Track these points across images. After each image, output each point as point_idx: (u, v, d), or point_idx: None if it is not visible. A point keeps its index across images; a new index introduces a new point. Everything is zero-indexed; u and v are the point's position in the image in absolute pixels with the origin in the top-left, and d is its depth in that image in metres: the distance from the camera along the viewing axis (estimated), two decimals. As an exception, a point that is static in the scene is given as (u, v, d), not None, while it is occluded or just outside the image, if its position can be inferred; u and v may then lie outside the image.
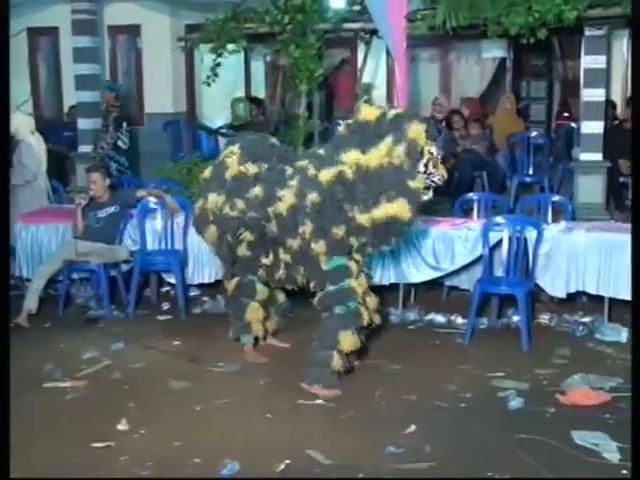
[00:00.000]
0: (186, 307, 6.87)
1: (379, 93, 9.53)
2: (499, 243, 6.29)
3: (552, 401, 4.93)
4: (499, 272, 6.34)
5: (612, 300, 6.23)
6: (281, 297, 6.02)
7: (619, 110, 10.62)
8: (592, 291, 6.22)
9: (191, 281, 7.10)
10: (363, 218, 4.97)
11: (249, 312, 5.73)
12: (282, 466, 4.14)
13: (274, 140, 5.90)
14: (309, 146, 8.03)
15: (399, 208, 4.90)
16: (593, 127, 8.02)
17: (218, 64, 8.42)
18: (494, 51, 11.73)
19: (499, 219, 6.36)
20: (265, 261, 5.46)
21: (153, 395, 5.15)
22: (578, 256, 6.19)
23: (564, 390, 5.07)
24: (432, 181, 5.06)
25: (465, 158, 9.53)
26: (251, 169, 5.43)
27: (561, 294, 6.30)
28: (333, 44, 9.94)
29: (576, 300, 6.54)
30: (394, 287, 6.69)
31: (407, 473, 4.07)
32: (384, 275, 6.57)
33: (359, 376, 5.38)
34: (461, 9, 7.29)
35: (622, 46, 11.00)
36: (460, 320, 6.44)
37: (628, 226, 7.08)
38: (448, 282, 6.82)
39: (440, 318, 6.57)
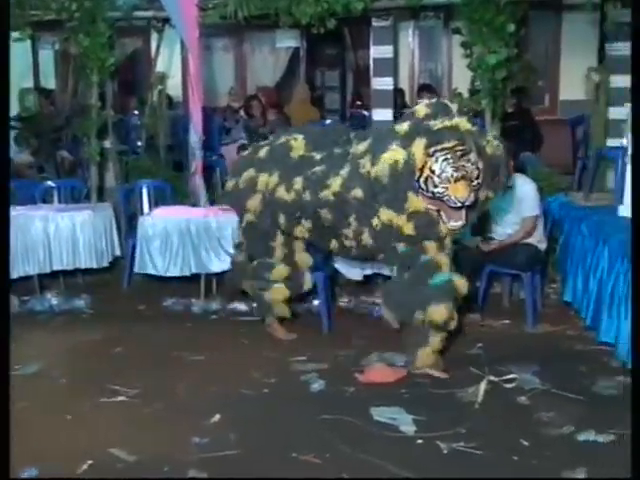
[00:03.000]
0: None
1: (174, 82, 9.41)
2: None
3: (352, 380, 5.08)
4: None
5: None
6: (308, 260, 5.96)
7: (407, 98, 11.06)
8: (387, 272, 6.47)
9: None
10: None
11: (270, 293, 5.77)
12: (84, 467, 4.02)
13: (336, 125, 5.84)
14: (103, 137, 7.84)
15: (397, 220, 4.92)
16: (383, 114, 8.30)
17: (2, 53, 7.99)
18: (287, 41, 11.91)
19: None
20: (332, 247, 5.46)
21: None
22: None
23: (363, 369, 5.24)
24: (441, 200, 4.79)
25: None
26: (317, 156, 5.39)
27: (358, 277, 6.52)
28: (125, 33, 9.73)
29: (372, 282, 6.78)
30: (196, 277, 6.66)
31: (213, 462, 4.07)
32: (185, 266, 6.52)
33: (162, 369, 5.33)
34: (252, -1, 7.34)
35: (408, 36, 11.47)
36: (262, 307, 6.50)
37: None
38: (249, 270, 6.88)
39: (242, 306, 6.59)
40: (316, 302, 6.43)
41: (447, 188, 4.70)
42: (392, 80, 8.44)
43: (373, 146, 5.04)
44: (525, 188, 6.05)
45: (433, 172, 4.71)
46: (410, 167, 4.74)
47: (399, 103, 10.19)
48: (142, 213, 7.10)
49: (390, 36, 8.26)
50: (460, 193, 4.68)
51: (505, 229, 6.18)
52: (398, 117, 8.84)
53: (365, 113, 10.45)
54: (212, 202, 7.28)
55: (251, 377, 5.18)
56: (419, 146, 4.72)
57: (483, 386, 4.89)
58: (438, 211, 4.85)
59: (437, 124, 4.75)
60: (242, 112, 10.70)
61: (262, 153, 5.67)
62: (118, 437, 4.34)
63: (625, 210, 6.15)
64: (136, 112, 10.41)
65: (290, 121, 10.43)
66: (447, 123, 4.74)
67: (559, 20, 10.94)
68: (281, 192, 5.41)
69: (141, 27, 9.85)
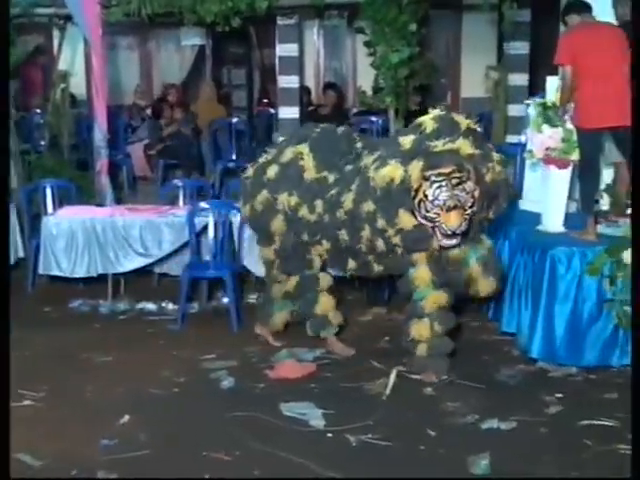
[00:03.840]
0: None
1: (77, 80, 9.26)
2: (206, 228, 6.39)
3: (262, 377, 5.12)
4: (207, 257, 6.45)
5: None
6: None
7: (313, 96, 11.16)
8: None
9: None
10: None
11: (320, 305, 5.48)
12: (-11, 474, 3.96)
13: (340, 131, 5.52)
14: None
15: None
16: (290, 112, 8.37)
17: None
18: (193, 39, 11.87)
19: (204, 205, 6.46)
20: (350, 266, 5.33)
21: None
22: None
23: (273, 365, 5.28)
24: (435, 226, 4.78)
25: (172, 143, 9.62)
26: (330, 177, 5.20)
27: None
28: (26, 30, 9.53)
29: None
30: (103, 278, 6.59)
31: (122, 463, 4.04)
32: (91, 266, 6.44)
33: (69, 371, 5.26)
34: (156, -4, 7.30)
35: (313, 35, 11.57)
36: (171, 306, 6.48)
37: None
38: (158, 269, 6.84)
39: (151, 306, 6.55)
40: (225, 300, 6.43)
41: (439, 215, 4.70)
42: (298, 78, 8.53)
43: (380, 158, 4.96)
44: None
45: (426, 197, 4.69)
46: (405, 186, 4.72)
47: (305, 101, 10.28)
48: (46, 213, 6.97)
49: (295, 35, 8.34)
50: (451, 223, 4.68)
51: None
52: (305, 115, 9.01)
53: (272, 111, 10.51)
54: (118, 201, 7.20)
55: (161, 376, 5.16)
56: (416, 168, 4.67)
57: (392, 379, 4.99)
58: (433, 227, 4.83)
59: (438, 145, 4.69)
60: (148, 110, 10.61)
61: (271, 173, 5.39)
62: (24, 442, 4.24)
63: (525, 204, 6.37)
64: (38, 110, 10.22)
65: (197, 119, 10.39)
66: (448, 146, 4.68)
67: (459, 20, 11.21)
68: (304, 212, 5.24)
69: (43, 24, 9.66)
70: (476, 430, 4.39)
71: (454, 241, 4.84)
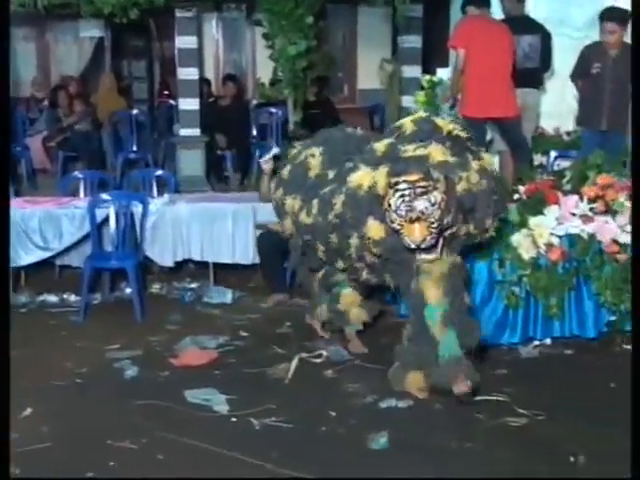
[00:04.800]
0: None
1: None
2: (107, 219, 6.37)
3: (166, 365, 5.15)
4: (109, 247, 6.44)
5: (216, 265, 6.66)
6: None
7: (214, 87, 11.19)
8: (197, 258, 6.62)
9: None
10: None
11: (342, 300, 5.33)
12: None
13: (357, 132, 5.24)
14: None
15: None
16: (190, 104, 8.42)
17: None
18: (91, 30, 11.71)
19: (105, 196, 6.44)
20: (339, 266, 5.07)
21: None
22: (182, 226, 6.52)
23: (177, 354, 5.33)
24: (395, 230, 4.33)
25: (72, 135, 9.51)
26: (330, 174, 4.92)
27: (169, 263, 6.60)
28: None
29: (183, 268, 6.89)
30: None
31: (25, 456, 4.00)
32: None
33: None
34: (54, -13, 7.23)
35: (212, 27, 11.60)
36: (73, 298, 6.44)
37: (227, 195, 7.64)
38: (59, 261, 6.78)
39: (53, 298, 6.50)
40: (128, 290, 6.44)
41: (403, 226, 4.26)
42: (197, 70, 8.57)
43: (355, 162, 4.64)
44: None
45: (390, 206, 4.26)
46: (373, 193, 4.31)
47: (206, 92, 10.31)
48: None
49: (194, 27, 8.38)
50: (413, 236, 4.24)
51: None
52: (205, 107, 9.05)
53: (172, 102, 10.50)
54: (17, 193, 7.10)
55: (63, 368, 5.14)
56: (382, 174, 4.27)
57: (294, 363, 5.09)
58: None
59: (408, 151, 4.30)
60: (46, 102, 10.44)
61: (285, 173, 5.32)
62: None
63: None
64: None
65: (97, 111, 10.29)
66: (418, 152, 4.28)
67: (355, 13, 11.42)
68: (303, 216, 5.05)
69: None
70: (375, 409, 4.54)
71: (432, 256, 4.41)
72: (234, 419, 4.42)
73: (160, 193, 7.17)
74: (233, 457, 3.98)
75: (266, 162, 6.27)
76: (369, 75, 10.20)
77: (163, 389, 4.82)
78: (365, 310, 5.43)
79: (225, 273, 6.74)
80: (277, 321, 5.96)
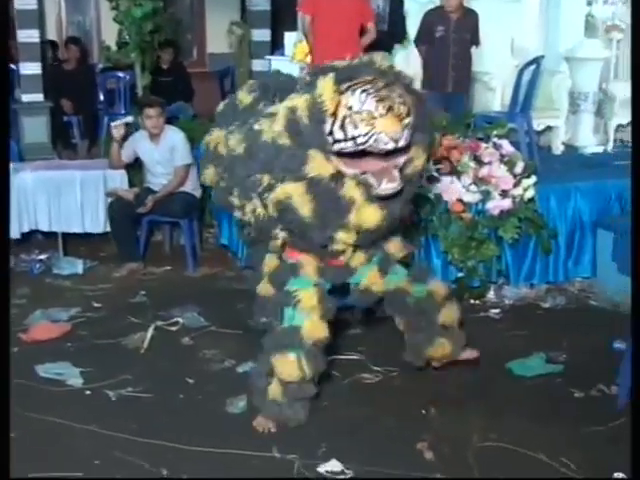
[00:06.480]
0: None
1: None
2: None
3: (15, 341, 4.95)
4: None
5: (66, 235, 6.48)
6: None
7: (61, 51, 10.79)
8: (45, 228, 6.41)
9: None
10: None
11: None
12: None
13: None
14: None
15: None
16: (31, 68, 8.10)
17: None
18: None
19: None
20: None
21: None
22: (27, 196, 6.28)
23: (26, 328, 5.16)
24: (358, 144, 3.56)
25: None
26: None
27: (15, 235, 6.35)
28: None
29: (31, 239, 6.65)
30: None
31: None
32: None
33: None
34: None
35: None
36: None
37: (74, 162, 7.42)
38: None
39: None
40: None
41: (373, 126, 3.50)
42: (38, 32, 8.23)
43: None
44: (175, 138, 6.24)
45: (350, 109, 3.50)
46: (317, 112, 3.55)
47: (51, 56, 9.96)
48: None
49: (31, -15, 8.03)
50: (390, 127, 3.49)
51: (159, 179, 6.34)
52: (48, 71, 8.72)
53: (13, 67, 10.03)
54: None
55: None
56: (327, 83, 3.52)
57: (150, 332, 5.05)
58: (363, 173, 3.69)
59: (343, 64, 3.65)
60: None
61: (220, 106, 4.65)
62: None
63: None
64: None
65: None
66: (358, 61, 3.69)
67: (201, -25, 11.27)
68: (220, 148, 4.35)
69: None
70: (233, 374, 4.57)
71: (394, 184, 3.68)
72: (89, 392, 4.35)
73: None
74: (89, 430, 3.92)
75: (117, 128, 6.13)
76: (218, 39, 10.11)
77: (14, 365, 4.56)
78: None
79: (75, 243, 6.56)
80: (131, 290, 5.87)
